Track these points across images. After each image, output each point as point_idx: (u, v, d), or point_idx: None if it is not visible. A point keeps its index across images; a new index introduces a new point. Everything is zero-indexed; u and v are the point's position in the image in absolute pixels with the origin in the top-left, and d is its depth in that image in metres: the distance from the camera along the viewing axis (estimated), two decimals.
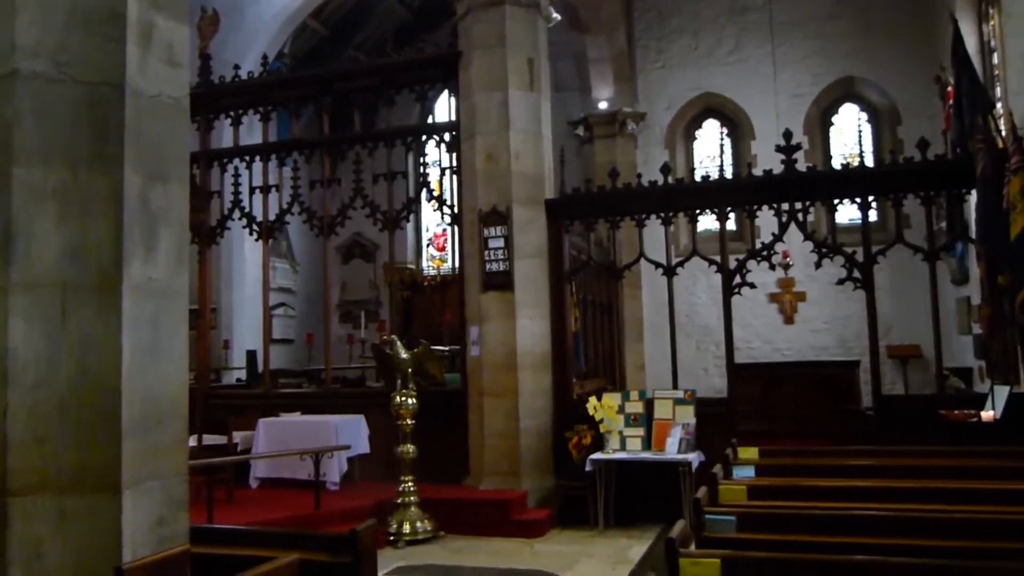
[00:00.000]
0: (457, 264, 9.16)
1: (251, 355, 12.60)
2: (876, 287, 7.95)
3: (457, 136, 8.90)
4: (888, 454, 5.45)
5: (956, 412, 7.14)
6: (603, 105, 14.19)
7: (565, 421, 8.32)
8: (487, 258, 8.41)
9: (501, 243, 8.35)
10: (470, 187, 8.63)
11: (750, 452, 5.59)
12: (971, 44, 9.20)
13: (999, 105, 8.72)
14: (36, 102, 3.05)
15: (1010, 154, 6.62)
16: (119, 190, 3.08)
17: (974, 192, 7.34)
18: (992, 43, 9.28)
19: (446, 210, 9.26)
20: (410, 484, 7.52)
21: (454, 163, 9.04)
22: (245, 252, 13.08)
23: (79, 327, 3.07)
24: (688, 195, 8.51)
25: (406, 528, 7.33)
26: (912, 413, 7.79)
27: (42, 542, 3.05)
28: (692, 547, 3.20)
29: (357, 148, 9.37)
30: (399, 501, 7.45)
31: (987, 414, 6.90)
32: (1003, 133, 7.65)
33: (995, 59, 9.20)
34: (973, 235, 7.67)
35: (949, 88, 9.88)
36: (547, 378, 8.50)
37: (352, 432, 8.49)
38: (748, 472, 5.01)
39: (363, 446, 8.64)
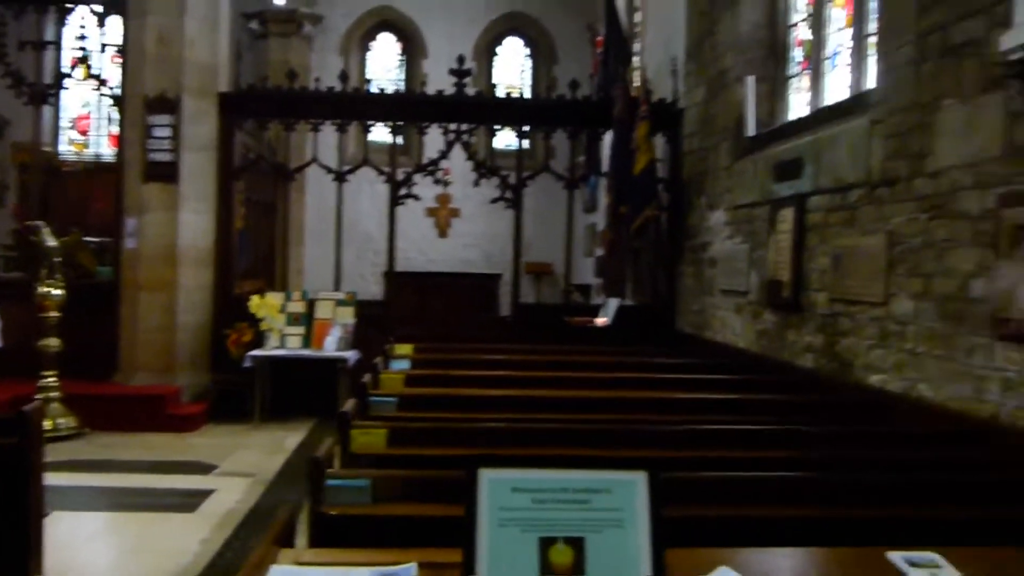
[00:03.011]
0: (107, 150, 8.58)
1: None
2: (522, 209, 8.87)
3: (124, 11, 8.22)
4: (522, 351, 6.34)
5: (577, 319, 8.39)
6: (280, 1, 13.74)
7: (225, 318, 8.34)
8: (151, 147, 8.00)
9: (168, 132, 7.98)
10: (136, 70, 8.08)
11: (406, 348, 6.16)
12: (620, 1, 10.38)
13: (637, 59, 10.00)
14: None
15: (641, 102, 7.75)
16: None
17: (610, 132, 8.46)
18: (636, 2, 10.53)
19: (105, 91, 8.60)
20: (52, 379, 7.17)
21: (111, 40, 8.37)
22: None
23: None
24: (366, 104, 8.70)
25: (47, 424, 6.95)
26: (543, 319, 8.97)
27: None
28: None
29: (1, 9, 8.28)
30: (39, 397, 7.02)
31: (601, 320, 8.20)
32: (637, 83, 8.85)
33: (637, 18, 10.46)
34: (605, 169, 8.87)
35: (599, 37, 11.08)
36: (208, 274, 8.40)
37: None
38: (405, 365, 5.57)
39: None
